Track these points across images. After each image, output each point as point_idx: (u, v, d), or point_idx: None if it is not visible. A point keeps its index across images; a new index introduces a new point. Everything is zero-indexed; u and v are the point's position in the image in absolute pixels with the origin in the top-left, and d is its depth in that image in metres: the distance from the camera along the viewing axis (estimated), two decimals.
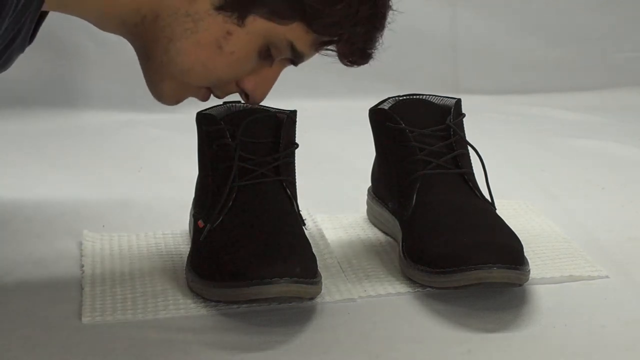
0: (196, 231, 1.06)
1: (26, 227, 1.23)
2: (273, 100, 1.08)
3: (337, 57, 0.99)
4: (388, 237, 1.19)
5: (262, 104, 1.04)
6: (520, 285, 1.00)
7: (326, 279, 1.03)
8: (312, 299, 0.98)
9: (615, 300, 1.02)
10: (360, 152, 1.32)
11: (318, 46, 0.97)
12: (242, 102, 1.05)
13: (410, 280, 1.04)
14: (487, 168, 1.11)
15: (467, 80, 2.08)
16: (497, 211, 1.10)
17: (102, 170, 1.53)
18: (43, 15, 0.98)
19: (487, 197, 1.11)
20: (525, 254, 1.01)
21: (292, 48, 0.96)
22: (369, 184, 1.24)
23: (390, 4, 0.97)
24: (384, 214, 1.18)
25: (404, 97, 1.15)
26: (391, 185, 1.14)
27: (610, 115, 1.95)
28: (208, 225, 1.03)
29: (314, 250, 1.02)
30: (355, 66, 1.00)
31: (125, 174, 1.50)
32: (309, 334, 0.94)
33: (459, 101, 1.14)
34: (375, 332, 0.95)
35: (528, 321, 0.96)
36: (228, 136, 1.06)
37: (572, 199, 1.38)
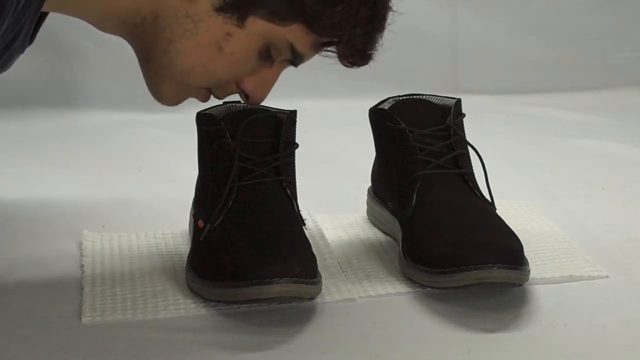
0: (196, 231, 1.06)
1: (26, 227, 1.23)
2: (273, 100, 1.08)
3: (337, 58, 0.99)
4: (388, 237, 1.19)
5: (262, 104, 1.04)
6: (520, 285, 1.00)
7: (326, 279, 1.03)
8: (312, 299, 0.98)
9: (615, 300, 1.02)
10: (360, 152, 1.32)
11: (318, 47, 0.97)
12: (242, 102, 1.05)
13: (410, 280, 1.04)
14: (487, 168, 1.11)
15: (467, 80, 2.08)
16: (497, 211, 1.10)
17: (102, 170, 1.53)
18: (43, 16, 0.98)
19: (487, 197, 1.11)
20: (525, 254, 1.01)
21: (292, 49, 0.96)
22: (369, 184, 1.24)
23: (390, 5, 0.97)
24: (384, 214, 1.18)
25: (404, 97, 1.15)
26: (391, 185, 1.14)
27: (610, 115, 1.95)
28: (208, 225, 1.03)
29: (314, 250, 1.02)
30: (355, 67, 1.00)
31: (125, 174, 1.50)
32: (309, 334, 0.94)
33: (459, 101, 1.14)
34: (375, 332, 0.95)
35: (528, 321, 0.96)
36: (228, 136, 1.06)
37: (572, 199, 1.38)
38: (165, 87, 0.98)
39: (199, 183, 1.12)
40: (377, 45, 0.98)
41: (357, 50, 0.97)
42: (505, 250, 0.98)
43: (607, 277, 1.07)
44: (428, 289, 1.02)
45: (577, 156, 1.64)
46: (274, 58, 0.97)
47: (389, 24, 0.98)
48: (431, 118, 1.12)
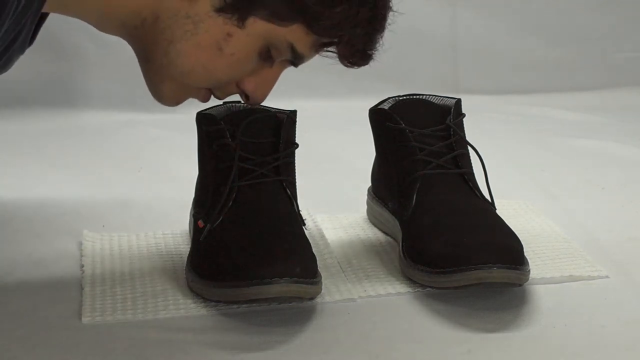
0: (196, 231, 1.06)
1: (26, 227, 1.23)
2: (273, 101, 1.08)
3: (337, 58, 0.99)
4: (388, 237, 1.19)
5: (262, 104, 1.04)
6: (520, 285, 1.00)
7: (326, 279, 1.03)
8: (312, 299, 0.98)
9: (615, 300, 1.02)
10: (360, 152, 1.32)
11: (318, 47, 0.97)
12: (243, 102, 1.05)
13: (410, 280, 1.04)
14: (487, 168, 1.11)
15: (467, 80, 2.08)
16: (497, 211, 1.10)
17: (102, 170, 1.53)
18: (43, 16, 0.98)
19: (487, 197, 1.11)
20: (525, 254, 1.01)
21: (293, 49, 0.96)
22: (369, 184, 1.24)
23: (390, 5, 0.97)
24: (384, 214, 1.18)
25: (404, 97, 1.15)
26: (391, 185, 1.14)
27: (610, 115, 1.95)
28: (208, 225, 1.03)
29: (314, 250, 1.02)
30: (356, 67, 1.00)
31: (125, 174, 1.50)
32: (309, 334, 0.94)
33: (459, 101, 1.14)
34: (375, 332, 0.95)
35: (528, 321, 0.96)
36: (228, 136, 1.06)
37: (572, 199, 1.38)
38: (165, 88, 0.98)
39: (199, 183, 1.12)
40: (377, 45, 0.98)
41: (357, 51, 0.97)
42: (505, 250, 0.98)
43: (607, 277, 1.07)
44: (428, 289, 1.02)
45: (577, 156, 1.64)
46: (274, 58, 0.97)
47: (389, 24, 0.98)
48: (431, 118, 1.12)
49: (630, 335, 0.94)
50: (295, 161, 1.10)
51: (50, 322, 0.96)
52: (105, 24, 0.97)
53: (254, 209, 1.03)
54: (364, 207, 1.26)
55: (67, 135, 1.76)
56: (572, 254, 1.13)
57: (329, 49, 0.98)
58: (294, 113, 1.11)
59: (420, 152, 1.10)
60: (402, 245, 1.07)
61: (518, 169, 1.54)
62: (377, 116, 1.16)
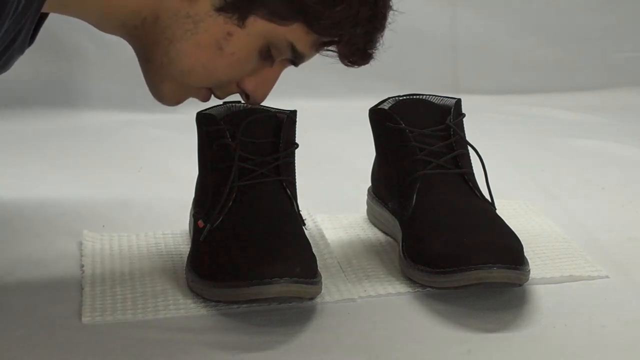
0: (196, 231, 1.06)
1: (26, 227, 1.23)
2: (273, 100, 1.08)
3: (337, 58, 0.99)
4: (388, 237, 1.19)
5: (262, 103, 1.04)
6: (520, 285, 1.00)
7: (326, 279, 1.03)
8: (312, 299, 0.98)
9: (615, 300, 1.02)
10: (360, 152, 1.32)
11: (318, 47, 0.97)
12: (243, 102, 1.05)
13: (410, 280, 1.04)
14: (487, 168, 1.11)
15: (467, 80, 2.08)
16: (497, 211, 1.10)
17: (102, 170, 1.53)
18: (43, 16, 0.98)
19: (487, 197, 1.11)
20: (525, 254, 1.01)
21: (293, 49, 0.96)
22: (369, 184, 1.24)
23: (391, 4, 0.97)
24: (384, 214, 1.18)
25: (404, 97, 1.15)
26: (391, 185, 1.14)
27: (610, 115, 1.95)
28: (208, 225, 1.03)
29: (314, 250, 1.02)
30: (356, 66, 1.00)
31: (125, 174, 1.50)
32: (309, 334, 0.94)
33: (459, 101, 1.14)
34: (375, 332, 0.95)
35: (528, 321, 0.96)
36: (228, 136, 1.06)
37: (572, 199, 1.38)
38: (165, 88, 0.98)
39: (199, 183, 1.12)
40: (377, 44, 0.98)
41: (357, 50, 0.97)
42: (505, 250, 0.98)
43: (607, 277, 1.07)
44: (428, 289, 1.02)
45: (577, 156, 1.64)
46: (275, 58, 0.97)
47: (389, 23, 0.98)
48: (431, 118, 1.12)
49: (630, 335, 0.94)
50: (295, 161, 1.10)
51: (50, 322, 0.96)
52: (105, 23, 0.97)
53: (254, 209, 1.03)
54: (364, 207, 1.26)
55: (67, 135, 1.76)
56: (572, 254, 1.13)
57: (329, 48, 0.98)
58: (294, 113, 1.11)
59: (420, 152, 1.10)
60: (402, 245, 1.07)
61: (518, 169, 1.54)
62: (377, 116, 1.16)
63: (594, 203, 1.36)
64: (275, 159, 1.07)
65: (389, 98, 1.16)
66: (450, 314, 0.98)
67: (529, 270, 1.00)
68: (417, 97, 1.15)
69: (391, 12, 0.98)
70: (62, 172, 1.51)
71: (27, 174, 1.50)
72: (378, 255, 1.13)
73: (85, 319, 0.96)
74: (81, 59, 1.91)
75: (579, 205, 1.35)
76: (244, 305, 0.98)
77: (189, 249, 1.07)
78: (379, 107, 1.16)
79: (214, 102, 1.05)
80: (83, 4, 0.95)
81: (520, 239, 1.03)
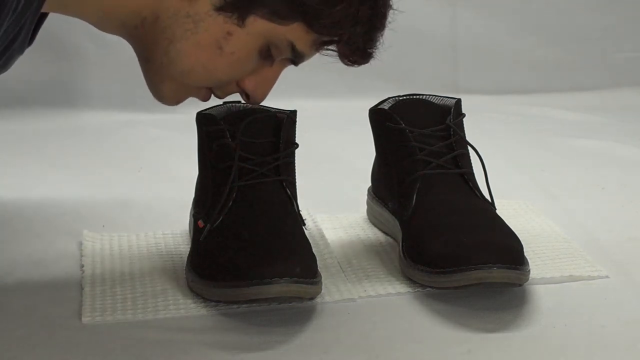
0: (196, 231, 1.06)
1: (26, 227, 1.23)
2: (273, 100, 1.08)
3: (337, 57, 0.99)
4: (388, 237, 1.19)
5: (262, 103, 1.04)
6: (520, 285, 1.00)
7: (326, 279, 1.03)
8: (312, 299, 0.98)
9: (615, 300, 1.02)
10: (360, 152, 1.32)
11: (318, 46, 0.97)
12: (242, 102, 1.05)
13: (410, 280, 1.04)
14: (487, 168, 1.11)
15: (467, 80, 2.08)
16: (497, 211, 1.10)
17: (102, 170, 1.53)
18: (43, 16, 0.98)
19: (487, 197, 1.11)
20: (525, 254, 1.01)
21: (293, 48, 0.96)
22: (369, 184, 1.24)
23: (391, 3, 0.97)
24: (384, 214, 1.18)
25: (404, 97, 1.15)
26: (391, 185, 1.14)
27: (610, 115, 1.96)
28: (208, 225, 1.03)
29: (314, 250, 1.02)
30: (356, 66, 1.00)
31: (125, 174, 1.50)
32: (309, 334, 0.94)
33: (459, 101, 1.14)
34: (375, 332, 0.95)
35: (528, 321, 0.96)
36: (228, 136, 1.06)
37: (572, 199, 1.38)
38: (165, 87, 0.98)
39: (199, 183, 1.12)
40: (377, 43, 0.98)
41: (357, 49, 0.97)
42: (505, 250, 0.98)
43: (607, 277, 1.07)
44: (428, 289, 1.02)
45: (577, 156, 1.64)
46: (275, 57, 0.97)
47: (390, 23, 0.98)
48: (431, 118, 1.12)
49: (630, 335, 0.94)
50: (295, 161, 1.10)
51: (50, 322, 0.96)
52: (105, 23, 0.97)
53: (253, 209, 1.03)
54: (364, 207, 1.26)
55: (67, 135, 1.76)
56: (572, 254, 1.13)
57: (329, 47, 0.98)
58: (294, 113, 1.11)
59: (420, 152, 1.10)
60: (402, 245, 1.07)
61: (518, 169, 1.54)
62: (377, 116, 1.16)
63: (594, 203, 1.36)
64: (275, 159, 1.07)
65: (389, 98, 1.16)
66: (450, 314, 0.98)
67: (529, 270, 1.00)
68: (417, 97, 1.15)
69: (391, 12, 0.98)
70: (62, 172, 1.51)
71: (27, 174, 1.50)
72: (378, 255, 1.13)
73: (85, 319, 0.96)
74: (81, 59, 1.91)
75: (579, 205, 1.35)
76: (244, 305, 0.98)
77: (189, 249, 1.07)
78: (379, 107, 1.16)
79: (214, 102, 1.05)
80: (83, 3, 0.95)
81: (520, 239, 1.03)
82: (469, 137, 1.12)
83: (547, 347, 0.91)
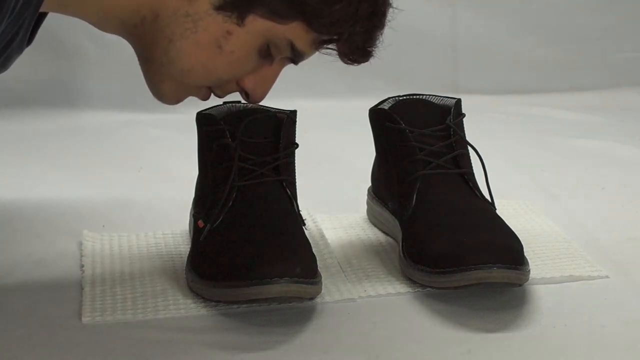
0: (196, 231, 1.06)
1: (26, 227, 1.23)
2: (273, 100, 1.08)
3: (337, 56, 0.99)
4: (388, 237, 1.19)
5: (262, 103, 1.04)
6: (520, 285, 1.00)
7: (326, 279, 1.03)
8: (312, 299, 0.98)
9: (615, 300, 1.02)
10: (360, 152, 1.32)
11: (318, 45, 0.97)
12: (242, 101, 1.05)
13: (410, 280, 1.04)
14: (487, 168, 1.11)
15: (467, 80, 2.08)
16: (497, 211, 1.10)
17: (102, 170, 1.53)
18: (42, 15, 0.98)
19: (487, 197, 1.11)
20: (525, 254, 1.01)
21: (292, 47, 0.96)
22: (369, 184, 1.24)
23: (390, 1, 0.97)
24: (384, 214, 1.18)
25: (404, 97, 1.15)
26: (391, 185, 1.14)
27: (610, 115, 1.96)
28: (208, 225, 1.03)
29: (314, 250, 1.02)
30: (356, 64, 1.00)
31: (125, 174, 1.50)
32: (309, 334, 0.94)
33: (459, 101, 1.14)
34: (375, 332, 0.95)
35: (528, 321, 0.96)
36: (228, 136, 1.06)
37: (572, 199, 1.38)
38: (165, 87, 0.98)
39: (199, 183, 1.12)
40: (377, 42, 0.98)
41: (357, 48, 0.97)
42: (505, 250, 0.98)
43: (607, 277, 1.07)
44: (428, 289, 1.02)
45: (577, 156, 1.64)
46: (274, 56, 0.97)
47: (389, 21, 0.98)
48: (431, 118, 1.12)
49: (630, 335, 0.94)
50: (295, 161, 1.10)
51: (50, 322, 0.96)
52: (104, 23, 0.97)
53: (254, 209, 1.03)
54: (364, 207, 1.26)
55: (67, 135, 1.76)
56: (572, 254, 1.13)
57: (329, 46, 0.98)
58: (294, 113, 1.11)
59: (420, 152, 1.10)
60: (402, 245, 1.07)
61: (518, 169, 1.54)
62: (377, 116, 1.16)
63: (594, 203, 1.36)
64: (275, 159, 1.07)
65: (389, 98, 1.16)
66: (450, 314, 0.98)
67: (529, 270, 1.00)
68: (417, 97, 1.15)
69: (391, 10, 0.98)
70: (62, 172, 1.51)
71: (27, 174, 1.50)
72: (378, 255, 1.13)
73: (85, 319, 0.96)
74: (81, 59, 1.91)
75: (579, 205, 1.35)
76: (244, 305, 0.98)
77: (189, 249, 1.07)
78: (379, 107, 1.16)
79: (214, 101, 1.05)
80: (82, 3, 0.95)
81: (520, 239, 1.03)
82: (469, 137, 1.12)
83: (547, 347, 0.91)
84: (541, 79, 2.11)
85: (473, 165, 1.12)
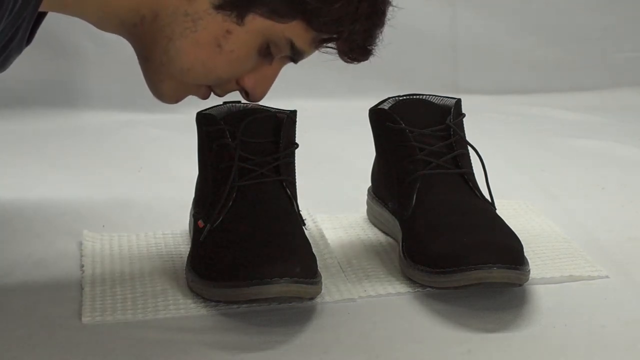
0: (196, 231, 1.06)
1: (26, 227, 1.23)
2: (273, 100, 1.08)
3: (337, 54, 0.99)
4: (388, 237, 1.19)
5: (262, 103, 1.04)
6: (520, 285, 1.00)
7: (326, 279, 1.03)
8: (312, 299, 0.98)
9: (615, 300, 1.02)
10: (360, 152, 1.32)
11: (318, 43, 0.97)
12: (242, 101, 1.05)
13: (410, 280, 1.04)
14: (487, 168, 1.11)
15: (467, 80, 2.08)
16: (497, 211, 1.10)
17: (102, 170, 1.53)
18: (42, 15, 0.98)
19: (487, 197, 1.11)
20: (525, 254, 1.01)
21: (292, 46, 0.96)
22: (369, 184, 1.24)
23: (390, 0, 0.97)
24: (384, 214, 1.18)
25: (404, 97, 1.15)
26: (391, 185, 1.14)
27: (610, 115, 1.96)
28: (208, 225, 1.03)
29: (314, 250, 1.02)
30: (356, 63, 1.00)
31: (125, 174, 1.50)
32: (309, 334, 0.94)
33: (459, 101, 1.14)
34: (375, 332, 0.95)
35: (528, 321, 0.96)
36: (228, 136, 1.06)
37: (572, 199, 1.38)
38: (165, 86, 0.98)
39: (199, 183, 1.12)
40: (377, 40, 0.98)
41: (357, 46, 0.97)
42: (505, 250, 0.98)
43: (607, 277, 1.07)
44: (428, 289, 1.02)
45: (577, 156, 1.64)
46: (274, 55, 0.97)
47: (389, 19, 0.98)
48: (431, 118, 1.12)
49: (630, 335, 0.94)
50: (295, 161, 1.10)
51: (50, 322, 0.96)
52: (104, 22, 0.97)
53: (253, 209, 1.03)
54: (364, 207, 1.26)
55: (67, 135, 1.76)
56: (572, 254, 1.13)
57: (329, 44, 0.98)
58: (294, 113, 1.11)
59: (420, 152, 1.10)
60: (402, 245, 1.07)
61: (518, 169, 1.54)
62: (377, 116, 1.16)
63: (594, 203, 1.36)
64: (275, 159, 1.07)
65: (389, 98, 1.16)
66: (450, 314, 0.98)
67: (529, 270, 1.00)
68: (417, 97, 1.15)
69: (390, 8, 0.98)
70: (62, 172, 1.51)
71: (27, 174, 1.50)
72: (378, 255, 1.13)
73: (85, 319, 0.96)
74: (81, 59, 1.91)
75: (579, 205, 1.35)
76: (244, 305, 0.98)
77: (189, 249, 1.07)
78: (379, 107, 1.16)
79: (214, 101, 1.05)
80: (82, 2, 0.95)
81: (520, 239, 1.03)
82: (469, 137, 1.12)
83: (547, 347, 0.91)
84: (541, 79, 2.11)
85: (473, 165, 1.12)
